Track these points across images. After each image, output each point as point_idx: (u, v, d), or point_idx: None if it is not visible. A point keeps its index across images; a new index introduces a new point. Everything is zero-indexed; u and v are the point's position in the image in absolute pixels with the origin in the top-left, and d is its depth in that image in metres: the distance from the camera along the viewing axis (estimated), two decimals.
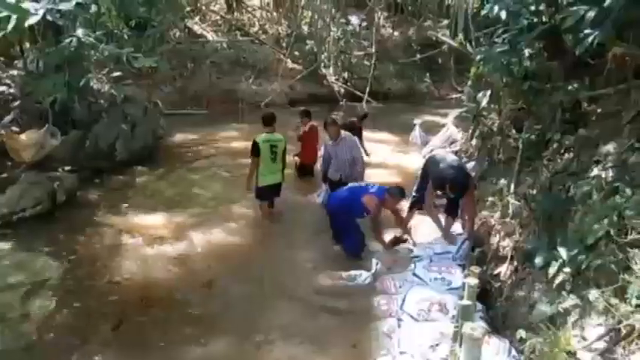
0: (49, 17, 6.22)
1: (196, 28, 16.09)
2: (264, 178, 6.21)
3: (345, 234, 5.58)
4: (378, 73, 16.58)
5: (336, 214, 5.61)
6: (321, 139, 7.86)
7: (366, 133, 8.75)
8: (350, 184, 5.84)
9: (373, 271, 5.00)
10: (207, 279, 5.04)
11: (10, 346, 3.97)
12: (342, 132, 6.62)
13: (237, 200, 7.16)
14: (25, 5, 6.02)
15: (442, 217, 5.57)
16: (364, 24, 18.27)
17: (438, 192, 5.45)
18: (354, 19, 18.32)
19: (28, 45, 8.71)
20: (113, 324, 4.27)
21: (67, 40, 6.84)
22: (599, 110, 4.70)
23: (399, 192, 5.52)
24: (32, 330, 4.16)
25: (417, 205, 5.88)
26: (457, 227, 5.75)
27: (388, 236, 5.57)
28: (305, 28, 17.14)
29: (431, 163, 5.57)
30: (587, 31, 4.00)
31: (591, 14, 3.88)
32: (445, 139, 9.28)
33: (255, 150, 6.09)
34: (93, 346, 4.00)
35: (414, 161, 8.96)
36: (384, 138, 9.62)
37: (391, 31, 19.02)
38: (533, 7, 5.25)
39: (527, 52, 5.29)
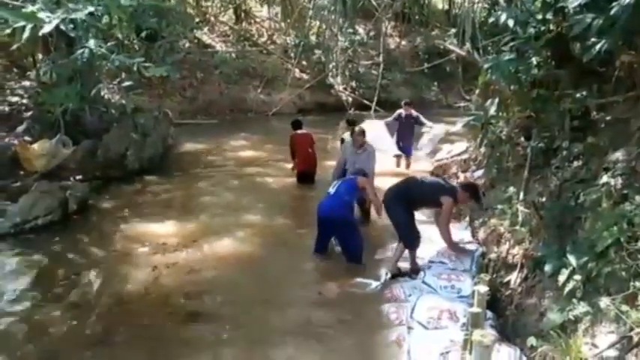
0: (62, 27, 6.33)
1: (205, 39, 16.29)
2: None
3: (349, 237, 5.54)
4: (386, 82, 16.67)
5: (334, 219, 5.51)
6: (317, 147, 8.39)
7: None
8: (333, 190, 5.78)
9: (383, 280, 4.99)
10: (215, 287, 5.05)
11: (11, 355, 3.97)
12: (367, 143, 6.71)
13: (246, 209, 7.21)
14: (40, 15, 6.14)
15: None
16: (372, 33, 18.39)
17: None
18: (362, 29, 18.45)
19: (40, 56, 8.88)
20: (118, 331, 4.30)
21: (80, 51, 6.97)
22: (607, 118, 4.68)
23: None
24: (36, 338, 4.18)
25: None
26: (467, 235, 5.75)
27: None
28: (313, 38, 17.28)
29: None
30: (594, 39, 4.02)
31: (598, 22, 3.90)
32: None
33: None
34: (98, 354, 4.02)
35: (423, 169, 8.97)
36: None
37: (398, 40, 19.12)
38: (540, 16, 5.26)
39: (534, 60, 5.30)
